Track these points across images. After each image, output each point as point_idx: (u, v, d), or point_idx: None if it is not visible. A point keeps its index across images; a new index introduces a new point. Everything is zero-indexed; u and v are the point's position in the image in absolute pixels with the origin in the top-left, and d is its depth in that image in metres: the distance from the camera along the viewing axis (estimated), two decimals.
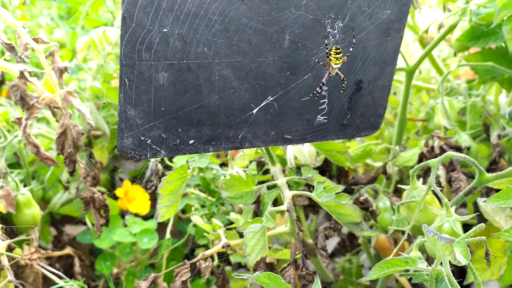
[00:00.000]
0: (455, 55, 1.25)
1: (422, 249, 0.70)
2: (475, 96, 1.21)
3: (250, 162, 1.17)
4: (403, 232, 0.76)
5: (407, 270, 0.63)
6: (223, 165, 1.23)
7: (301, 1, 0.68)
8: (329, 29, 0.72)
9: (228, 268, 1.28)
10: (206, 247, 1.15)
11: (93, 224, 1.11)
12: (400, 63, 1.22)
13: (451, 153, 0.74)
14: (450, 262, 0.60)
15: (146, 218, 1.24)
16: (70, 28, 1.63)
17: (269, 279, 0.60)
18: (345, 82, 0.77)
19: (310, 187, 0.92)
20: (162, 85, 0.65)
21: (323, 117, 0.78)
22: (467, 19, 1.09)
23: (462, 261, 0.54)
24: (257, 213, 1.03)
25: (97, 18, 1.60)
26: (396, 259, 0.61)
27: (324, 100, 0.77)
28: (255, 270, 0.84)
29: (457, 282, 0.61)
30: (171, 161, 1.21)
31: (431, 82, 1.50)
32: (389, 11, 0.74)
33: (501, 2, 0.93)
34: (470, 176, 1.01)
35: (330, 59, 0.72)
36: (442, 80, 1.09)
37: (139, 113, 0.66)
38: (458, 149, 1.04)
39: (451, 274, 0.59)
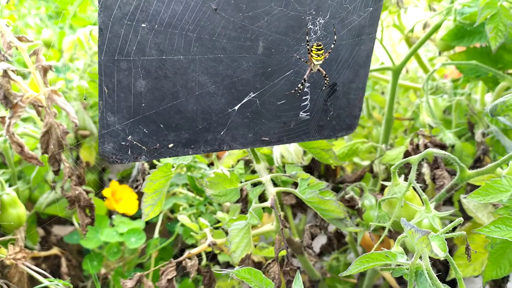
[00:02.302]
0: (440, 54, 1.26)
1: (404, 246, 0.70)
2: (460, 94, 1.22)
3: (238, 161, 1.17)
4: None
5: (389, 265, 0.64)
6: (212, 164, 1.23)
7: (273, 10, 0.69)
8: (309, 26, 0.73)
9: (217, 267, 1.28)
10: (195, 246, 1.15)
11: (79, 224, 1.10)
12: (387, 62, 1.23)
13: (431, 150, 0.74)
14: (431, 257, 0.61)
15: (134, 218, 1.23)
16: (59, 28, 1.62)
17: (250, 274, 0.60)
18: (327, 79, 0.77)
19: (296, 186, 0.92)
20: (140, 92, 0.68)
21: (305, 114, 0.79)
22: (451, 19, 1.10)
23: (440, 253, 0.55)
24: (244, 212, 1.03)
25: (85, 18, 1.59)
26: (376, 253, 0.61)
27: (306, 97, 0.78)
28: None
29: (442, 278, 0.61)
30: (158, 160, 1.21)
31: (418, 82, 1.51)
32: (361, 17, 0.76)
33: (484, 1, 0.94)
34: (455, 174, 1.02)
35: (312, 56, 0.73)
36: (427, 78, 1.10)
37: (119, 120, 0.68)
38: (443, 147, 1.05)
39: (431, 267, 0.60)
